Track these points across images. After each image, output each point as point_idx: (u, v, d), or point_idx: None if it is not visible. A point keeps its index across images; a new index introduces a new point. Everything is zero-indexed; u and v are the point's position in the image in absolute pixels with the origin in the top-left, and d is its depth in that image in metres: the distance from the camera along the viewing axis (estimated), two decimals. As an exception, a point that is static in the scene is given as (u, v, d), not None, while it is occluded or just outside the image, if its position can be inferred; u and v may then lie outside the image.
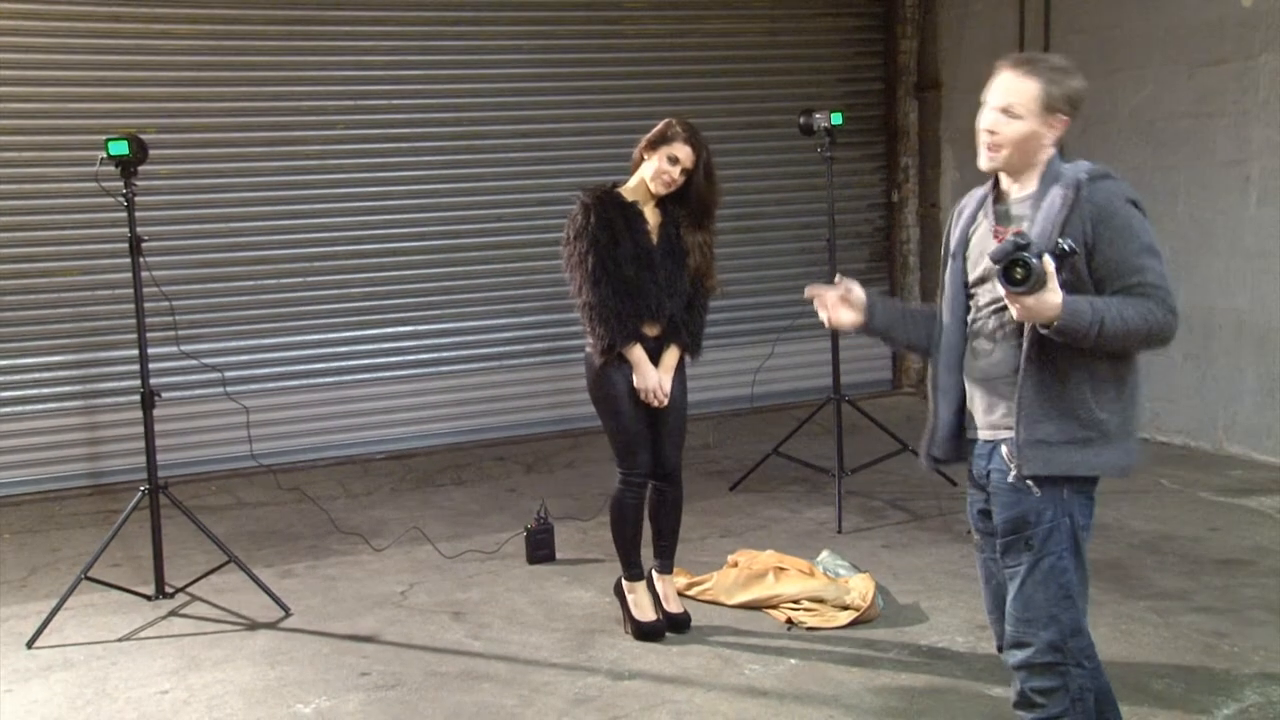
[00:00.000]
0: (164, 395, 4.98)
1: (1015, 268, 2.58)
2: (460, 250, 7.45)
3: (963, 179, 7.94)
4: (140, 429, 4.75)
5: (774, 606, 4.53)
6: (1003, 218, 2.88)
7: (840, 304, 3.04)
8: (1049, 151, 2.82)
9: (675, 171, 4.15)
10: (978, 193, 3.01)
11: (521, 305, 7.57)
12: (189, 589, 4.88)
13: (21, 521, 6.20)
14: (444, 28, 7.30)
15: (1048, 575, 2.80)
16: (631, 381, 4.20)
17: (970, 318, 2.94)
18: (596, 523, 5.70)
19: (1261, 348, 6.38)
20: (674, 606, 4.42)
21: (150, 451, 4.73)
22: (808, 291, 3.08)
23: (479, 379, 7.54)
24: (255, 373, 7.01)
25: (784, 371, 7.95)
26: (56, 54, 6.55)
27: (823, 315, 3.07)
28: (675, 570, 4.56)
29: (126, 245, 4.63)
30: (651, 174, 4.17)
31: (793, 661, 4.10)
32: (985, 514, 2.98)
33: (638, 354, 4.18)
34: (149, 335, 4.77)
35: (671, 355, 4.27)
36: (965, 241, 2.96)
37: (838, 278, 3.09)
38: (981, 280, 2.88)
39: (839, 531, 5.48)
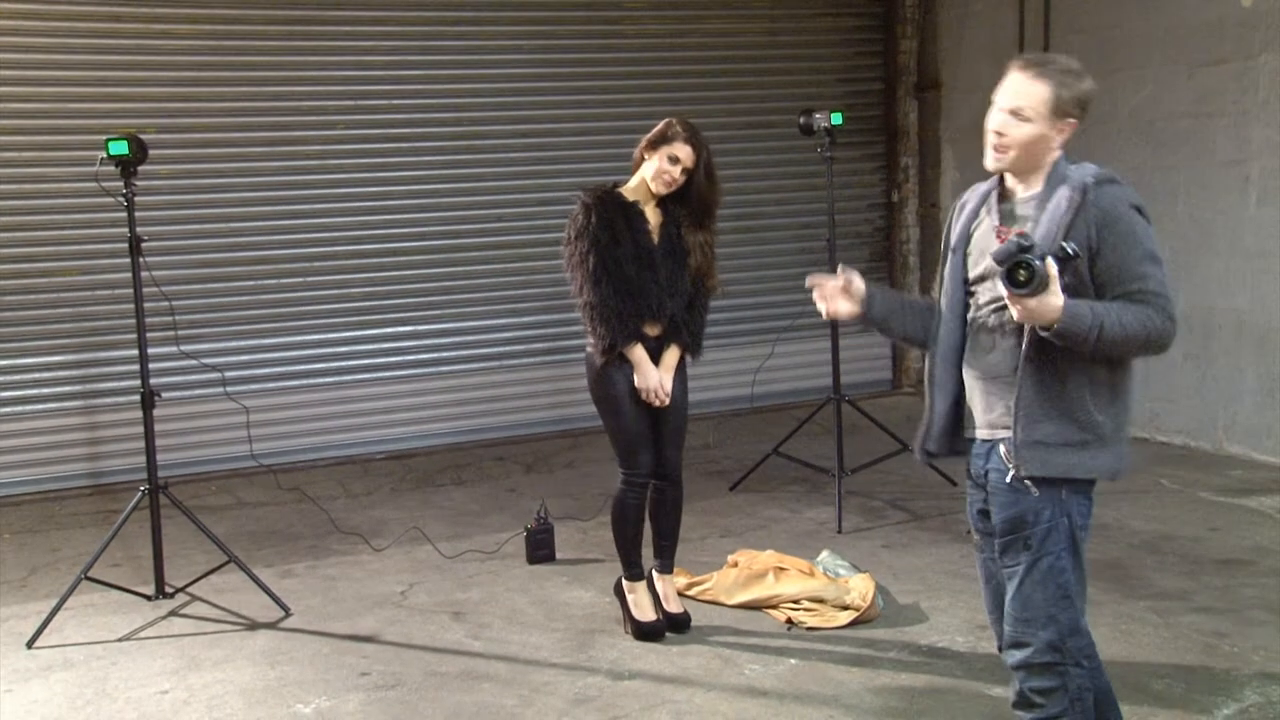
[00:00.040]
0: (164, 395, 4.98)
1: (1018, 269, 2.57)
2: (460, 250, 7.44)
3: (963, 179, 7.93)
4: (140, 429, 4.75)
5: (774, 606, 4.53)
6: (1007, 217, 2.87)
7: (840, 294, 3.03)
8: (1056, 153, 2.81)
9: (676, 171, 4.15)
10: (981, 188, 2.99)
11: (521, 305, 7.57)
12: (189, 589, 4.88)
13: (21, 521, 6.19)
14: (444, 28, 7.30)
15: (1046, 575, 2.80)
16: (632, 381, 4.20)
17: (970, 315, 2.93)
18: (596, 523, 5.70)
19: (1261, 348, 6.38)
20: (674, 606, 4.42)
21: (150, 451, 4.73)
22: (809, 281, 3.07)
23: (479, 379, 7.54)
24: (255, 373, 7.01)
25: (784, 371, 7.95)
26: (56, 54, 6.54)
27: (821, 306, 3.07)
28: (675, 570, 4.56)
29: (126, 245, 4.63)
30: (652, 174, 4.17)
31: (793, 661, 4.10)
32: (985, 514, 2.97)
33: (639, 354, 4.18)
34: (149, 335, 4.78)
35: (672, 355, 4.27)
36: (967, 237, 2.95)
37: (840, 268, 3.07)
38: (982, 278, 2.88)
39: (839, 531, 5.48)
